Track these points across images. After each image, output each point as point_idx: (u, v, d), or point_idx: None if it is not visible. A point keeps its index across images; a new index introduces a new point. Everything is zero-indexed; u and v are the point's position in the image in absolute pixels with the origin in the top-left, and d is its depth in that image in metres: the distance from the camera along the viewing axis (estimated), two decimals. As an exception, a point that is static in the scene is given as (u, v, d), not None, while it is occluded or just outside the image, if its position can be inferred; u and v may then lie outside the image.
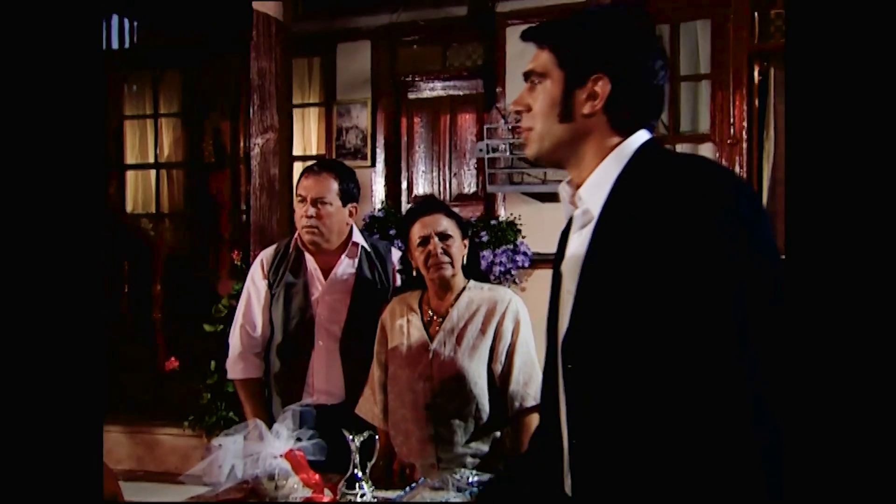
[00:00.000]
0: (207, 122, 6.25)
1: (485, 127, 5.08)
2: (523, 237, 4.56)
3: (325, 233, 2.69)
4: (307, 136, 5.83)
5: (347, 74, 5.75)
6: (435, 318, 2.50)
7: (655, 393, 1.15)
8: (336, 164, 2.86)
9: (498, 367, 2.41)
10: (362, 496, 2.30)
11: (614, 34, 1.30)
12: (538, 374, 2.42)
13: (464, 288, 2.50)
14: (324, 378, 2.72)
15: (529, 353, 2.45)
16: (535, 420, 2.42)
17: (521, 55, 5.25)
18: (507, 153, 4.97)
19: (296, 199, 2.71)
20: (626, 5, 1.39)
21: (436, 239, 2.42)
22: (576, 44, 1.30)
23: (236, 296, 3.77)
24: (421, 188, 5.75)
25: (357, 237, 2.79)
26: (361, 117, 5.67)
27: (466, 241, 2.52)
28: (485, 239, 4.53)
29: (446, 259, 2.41)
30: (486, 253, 4.47)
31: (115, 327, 5.35)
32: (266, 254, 2.85)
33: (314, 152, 5.88)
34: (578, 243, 1.30)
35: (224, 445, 3.14)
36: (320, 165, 2.76)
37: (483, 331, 2.43)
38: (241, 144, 6.11)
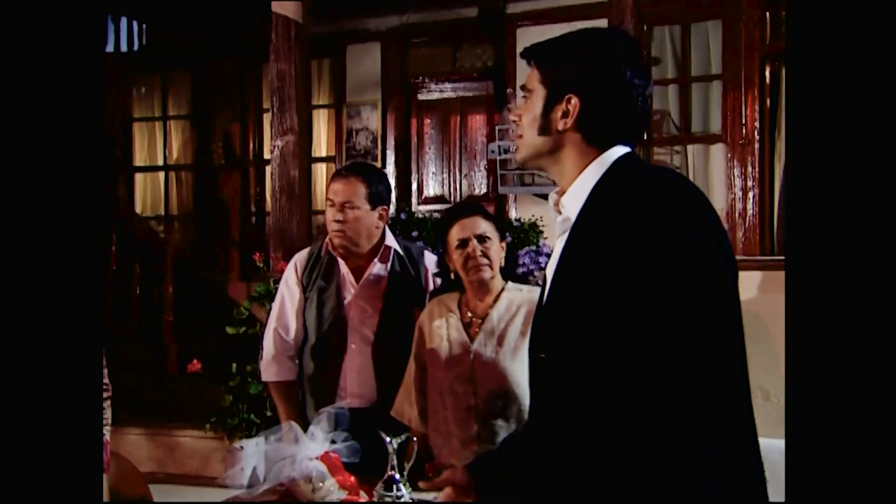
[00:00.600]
0: (217, 123, 6.25)
1: (496, 128, 5.10)
2: (545, 238, 4.58)
3: (354, 236, 2.69)
4: (317, 138, 5.83)
5: (357, 76, 5.76)
6: (475, 319, 2.50)
7: (608, 383, 1.25)
8: (366, 166, 2.87)
9: None
10: (399, 498, 2.31)
11: (587, 57, 1.42)
12: None
13: (502, 289, 2.51)
14: (356, 381, 2.73)
15: None
16: None
17: (531, 56, 5.29)
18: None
19: (326, 204, 2.73)
20: (610, 28, 1.49)
21: (475, 241, 2.42)
22: (555, 64, 1.44)
23: (258, 298, 3.78)
24: (431, 190, 5.76)
25: (390, 240, 2.80)
26: (371, 119, 5.68)
27: (504, 244, 2.53)
28: (508, 240, 4.54)
29: (485, 261, 2.42)
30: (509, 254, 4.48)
31: (127, 329, 5.35)
32: (300, 257, 2.86)
33: (324, 154, 5.88)
34: (558, 248, 1.43)
35: (245, 448, 3.14)
36: (349, 169, 2.78)
37: (524, 332, 2.42)
38: (252, 146, 6.12)
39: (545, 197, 5.21)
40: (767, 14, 4.83)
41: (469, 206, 2.58)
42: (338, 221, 2.67)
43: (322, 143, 5.93)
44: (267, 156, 5.91)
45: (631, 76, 1.39)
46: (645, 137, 4.82)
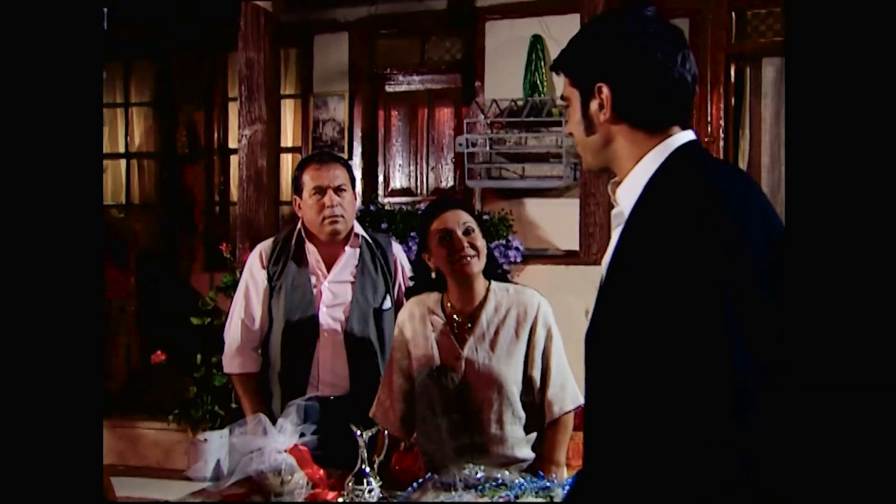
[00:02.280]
0: (181, 112, 6.16)
1: (464, 121, 5.10)
2: (514, 232, 4.59)
3: (349, 220, 2.74)
4: (284, 128, 5.77)
5: (325, 66, 5.71)
6: (462, 322, 2.41)
7: (655, 385, 1.24)
8: (335, 155, 2.91)
9: (536, 374, 2.38)
10: (370, 491, 2.30)
11: (603, 42, 1.40)
12: (571, 377, 2.43)
13: (487, 289, 2.42)
14: (329, 369, 2.73)
15: (562, 357, 2.42)
16: (571, 423, 2.44)
17: (499, 50, 5.31)
18: (486, 148, 4.99)
19: (308, 194, 2.70)
20: (624, 9, 1.46)
21: (459, 233, 2.32)
22: (576, 62, 1.43)
23: (224, 288, 3.74)
24: (398, 182, 5.74)
25: (358, 227, 2.81)
26: (339, 110, 5.64)
27: (486, 238, 2.47)
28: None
29: (472, 252, 2.31)
30: (478, 248, 4.49)
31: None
32: (264, 246, 2.84)
33: (290, 144, 5.83)
34: (613, 242, 1.40)
35: (210, 440, 3.13)
36: (326, 156, 2.80)
37: (517, 336, 2.38)
38: (216, 136, 6.04)
39: (513, 191, 5.26)
40: (733, 14, 4.88)
41: (447, 201, 2.51)
42: (333, 206, 2.68)
43: (288, 133, 5.87)
44: (232, 145, 5.84)
45: (653, 49, 1.35)
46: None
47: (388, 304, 2.80)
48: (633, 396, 1.26)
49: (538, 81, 4.94)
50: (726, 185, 1.31)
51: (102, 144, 5.44)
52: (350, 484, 2.31)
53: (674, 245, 1.23)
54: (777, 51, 4.81)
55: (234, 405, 3.55)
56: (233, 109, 5.85)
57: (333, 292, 2.75)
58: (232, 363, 2.81)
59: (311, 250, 2.77)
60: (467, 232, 2.34)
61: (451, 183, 5.60)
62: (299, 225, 2.80)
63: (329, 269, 2.76)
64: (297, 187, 2.77)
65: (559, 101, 4.83)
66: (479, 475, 2.27)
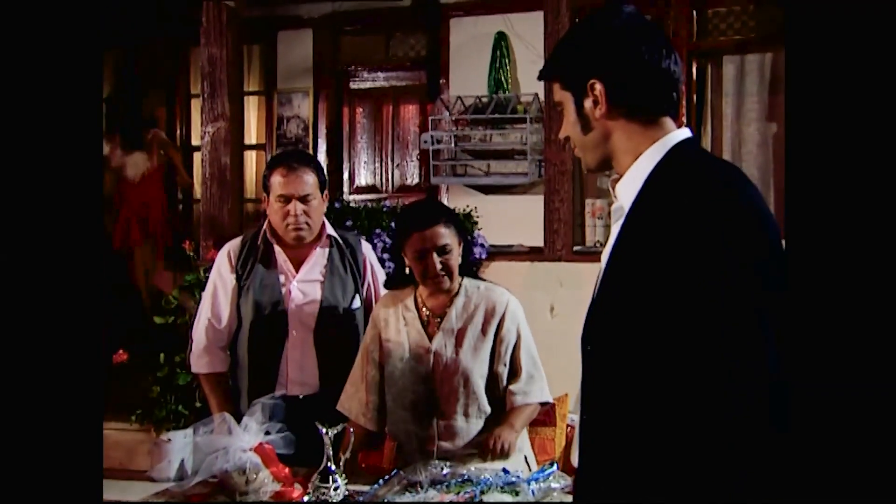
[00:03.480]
0: (143, 108, 6.08)
1: (429, 118, 5.10)
2: (479, 229, 4.61)
3: (314, 227, 2.72)
4: (247, 125, 5.73)
5: (288, 63, 5.68)
6: (432, 318, 2.47)
7: (661, 379, 1.25)
8: (308, 155, 2.90)
9: (502, 369, 2.45)
10: (335, 489, 2.30)
11: (592, 40, 1.45)
12: (541, 374, 2.48)
13: (459, 285, 2.47)
14: (298, 368, 2.72)
15: (532, 352, 2.48)
16: (534, 413, 2.50)
17: (464, 47, 5.31)
18: (451, 145, 5.00)
19: (275, 199, 2.69)
20: (604, 8, 1.49)
21: (434, 255, 2.35)
22: (564, 64, 1.47)
23: (187, 287, 3.71)
24: (363, 179, 5.73)
25: (329, 227, 2.80)
26: (303, 107, 5.61)
27: (462, 242, 2.48)
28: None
29: (444, 273, 2.36)
30: (444, 245, 4.49)
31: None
32: (233, 245, 2.82)
33: (254, 141, 5.79)
34: (613, 236, 1.42)
35: (173, 440, 3.10)
36: (295, 160, 2.75)
37: (484, 332, 2.44)
38: (179, 132, 5.98)
39: (477, 188, 5.27)
40: (694, 12, 4.93)
41: (429, 214, 2.47)
42: (297, 216, 2.65)
43: (252, 130, 5.83)
44: (195, 142, 5.79)
45: (639, 43, 1.40)
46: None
47: (357, 303, 2.79)
48: (646, 392, 1.27)
49: (503, 78, 4.96)
50: (730, 179, 1.33)
51: (102, 143, 5.34)
52: (315, 482, 2.31)
53: (685, 238, 1.24)
54: (737, 49, 4.87)
55: (198, 404, 3.53)
56: (196, 106, 5.79)
57: (303, 291, 2.74)
58: (199, 362, 2.79)
59: (279, 250, 2.75)
60: (442, 251, 2.36)
61: (416, 180, 5.60)
62: (265, 225, 2.78)
63: (298, 268, 2.75)
64: (266, 187, 2.75)
65: (524, 98, 4.86)
66: (444, 471, 2.29)
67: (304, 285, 2.74)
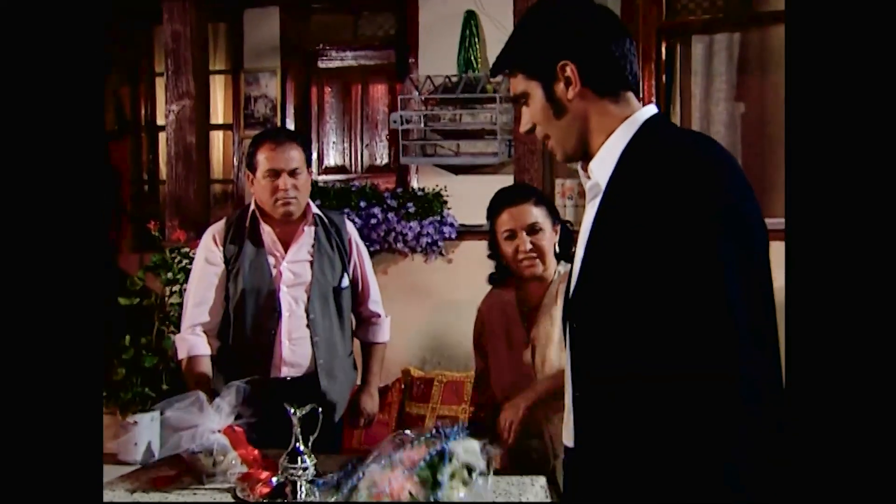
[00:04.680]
0: (106, 87, 5.97)
1: (398, 98, 5.06)
2: (449, 208, 4.59)
3: (302, 201, 2.72)
4: (214, 105, 5.64)
5: (255, 42, 5.59)
6: (531, 308, 2.41)
7: (647, 353, 1.26)
8: (291, 132, 2.91)
9: None
10: (304, 469, 2.29)
11: (555, 24, 1.48)
12: None
13: (556, 273, 2.40)
14: (291, 349, 2.71)
15: None
16: None
17: (433, 26, 5.26)
18: (421, 124, 4.97)
19: (262, 175, 2.66)
20: None
21: (524, 234, 2.27)
22: (528, 52, 1.50)
23: (153, 267, 3.66)
24: (332, 159, 5.68)
25: (314, 207, 2.80)
26: (270, 86, 5.54)
27: (558, 227, 2.39)
28: (411, 210, 4.54)
29: (534, 255, 2.27)
30: (414, 224, 4.47)
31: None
32: (217, 229, 2.80)
33: (221, 121, 5.70)
34: (590, 214, 1.44)
35: (140, 422, 3.05)
36: (282, 135, 2.76)
37: None
38: (143, 111, 5.87)
39: (447, 168, 5.24)
40: (664, -10, 4.93)
41: (519, 191, 2.41)
42: (287, 189, 2.65)
43: (219, 110, 5.75)
44: (160, 121, 5.70)
45: (600, 22, 1.46)
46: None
47: (345, 281, 2.79)
48: (634, 367, 1.27)
49: (472, 58, 4.92)
50: (706, 152, 1.36)
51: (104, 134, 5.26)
52: (284, 462, 2.29)
53: (666, 211, 1.26)
54: (707, 28, 4.88)
55: (164, 387, 3.48)
56: (160, 84, 5.70)
57: (293, 272, 2.74)
58: (184, 346, 2.76)
59: (267, 230, 2.73)
60: (532, 230, 2.28)
61: (385, 160, 5.56)
62: (252, 205, 2.76)
63: (286, 248, 2.73)
64: (251, 165, 2.72)
65: (493, 78, 4.83)
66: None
67: (293, 265, 2.74)
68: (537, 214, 2.29)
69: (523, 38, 1.52)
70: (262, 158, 2.66)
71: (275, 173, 2.64)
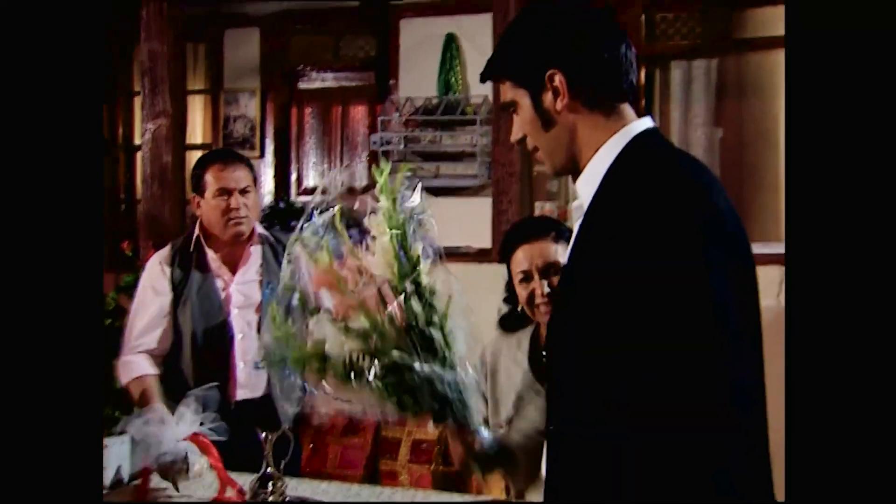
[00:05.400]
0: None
1: (378, 119, 5.06)
2: (427, 231, 4.57)
3: (252, 220, 2.71)
4: (193, 124, 5.62)
5: (235, 62, 5.59)
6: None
7: (625, 384, 1.18)
8: (236, 152, 2.94)
9: None
10: (275, 494, 2.25)
11: (544, 30, 1.38)
12: None
13: None
14: (245, 371, 2.68)
15: None
16: None
17: (414, 48, 5.28)
18: (401, 146, 4.96)
19: (212, 195, 2.65)
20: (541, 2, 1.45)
21: (538, 277, 2.00)
22: (516, 59, 1.40)
23: (126, 288, 3.62)
24: (311, 180, 5.66)
25: (258, 227, 2.79)
26: (250, 106, 5.53)
27: None
28: (390, 232, 4.51)
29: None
30: (392, 246, 4.45)
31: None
32: (163, 255, 2.76)
33: (200, 141, 5.68)
34: (574, 237, 1.36)
35: (110, 445, 3.00)
36: (229, 155, 2.78)
37: None
38: (120, 131, 5.83)
39: (427, 189, 5.20)
40: (643, 17, 4.97)
41: (537, 226, 2.15)
42: (242, 207, 2.63)
43: (198, 129, 5.72)
44: (137, 141, 5.67)
45: (594, 28, 1.37)
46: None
47: (295, 300, 2.76)
48: (615, 396, 1.19)
49: (452, 80, 4.94)
50: (691, 172, 1.29)
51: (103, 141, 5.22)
52: (255, 487, 2.26)
53: (645, 236, 1.18)
54: (685, 54, 4.93)
55: (136, 410, 3.43)
56: (138, 104, 5.66)
57: (243, 294, 2.72)
58: (125, 370, 2.70)
59: (211, 255, 2.71)
60: (547, 272, 2.00)
61: (365, 182, 5.55)
62: (197, 229, 2.73)
63: (233, 270, 2.71)
64: (199, 187, 2.70)
65: (473, 100, 4.84)
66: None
67: (242, 287, 2.72)
68: (557, 252, 2.01)
69: (511, 44, 1.43)
70: (211, 178, 2.65)
71: (226, 192, 2.62)
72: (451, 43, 4.97)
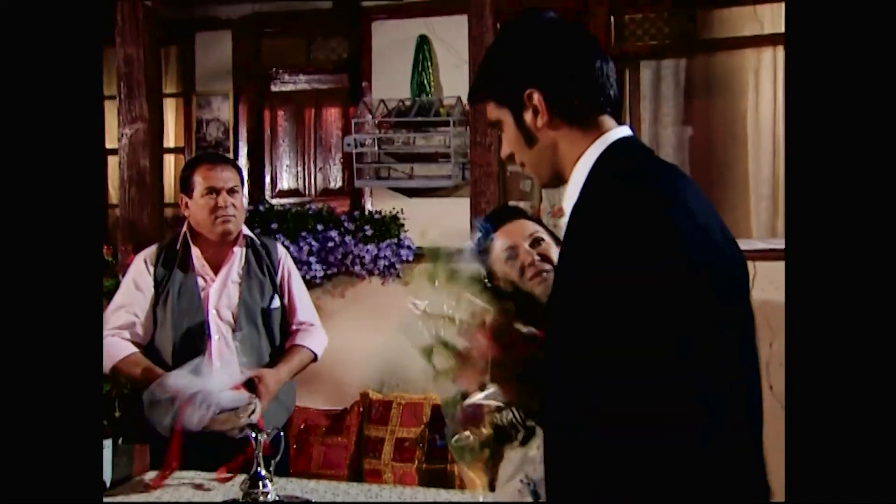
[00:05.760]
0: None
1: (352, 121, 5.07)
2: (406, 231, 4.60)
3: (239, 222, 2.75)
4: (165, 128, 5.60)
5: (207, 65, 5.57)
6: None
7: (604, 393, 1.20)
8: (225, 156, 2.95)
9: None
10: (265, 494, 2.28)
11: (521, 50, 1.43)
12: None
13: None
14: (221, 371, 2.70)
15: None
16: None
17: (386, 50, 5.30)
18: (375, 148, 4.99)
19: (199, 194, 2.67)
20: (524, 18, 1.48)
21: (525, 245, 1.99)
22: (496, 80, 1.45)
23: (106, 293, 3.60)
24: (285, 183, 5.66)
25: (245, 229, 2.82)
26: (223, 109, 5.52)
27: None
28: (368, 233, 4.54)
29: (546, 266, 1.96)
30: (371, 247, 4.48)
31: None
32: (149, 253, 2.79)
33: (173, 144, 5.66)
34: (562, 244, 1.39)
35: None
36: (216, 157, 2.87)
37: None
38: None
39: (401, 191, 5.26)
40: (612, 18, 5.04)
41: (509, 210, 2.20)
42: (230, 207, 2.68)
43: (171, 133, 5.70)
44: (110, 145, 5.63)
45: (569, 46, 1.40)
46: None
47: (276, 303, 2.79)
48: (599, 404, 1.20)
49: (425, 81, 4.97)
50: (662, 181, 1.31)
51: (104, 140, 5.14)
52: (245, 487, 2.28)
53: (619, 239, 1.21)
54: (654, 54, 5.01)
55: (117, 414, 3.43)
56: (109, 108, 5.63)
57: (223, 293, 2.73)
58: (113, 352, 2.66)
59: (196, 253, 2.73)
60: (535, 243, 2.02)
61: (339, 183, 5.57)
62: (185, 228, 2.76)
63: (216, 271, 2.74)
64: (187, 187, 2.73)
65: (446, 101, 4.88)
66: None
67: (224, 287, 2.74)
68: (535, 228, 2.05)
69: (491, 65, 1.47)
70: (200, 179, 2.70)
71: (214, 191, 2.67)
72: (423, 45, 5.00)
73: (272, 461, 2.31)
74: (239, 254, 2.77)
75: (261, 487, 2.27)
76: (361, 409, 4.32)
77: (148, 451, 2.78)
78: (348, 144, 4.96)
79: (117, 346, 2.68)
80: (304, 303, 2.90)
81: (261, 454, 2.28)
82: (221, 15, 5.49)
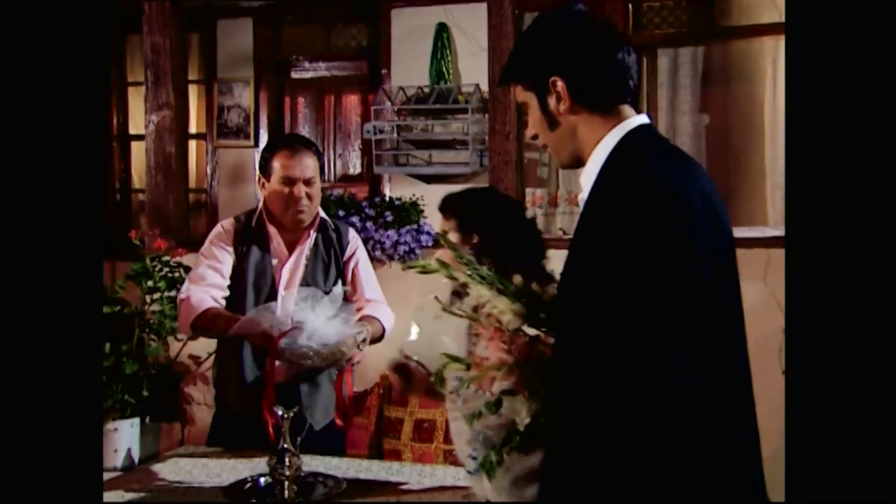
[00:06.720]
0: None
1: (371, 108, 5.12)
2: (425, 217, 4.65)
3: (314, 210, 2.75)
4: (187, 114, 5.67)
5: (229, 52, 5.62)
6: None
7: (608, 376, 1.28)
8: (307, 139, 2.91)
9: None
10: (293, 469, 2.35)
11: (548, 40, 1.54)
12: None
13: None
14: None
15: None
16: None
17: (405, 37, 5.34)
18: (393, 134, 5.04)
19: (277, 181, 2.69)
20: (555, 9, 1.57)
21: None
22: (524, 65, 1.56)
23: (134, 276, 3.68)
24: (305, 169, 5.72)
25: (321, 212, 2.83)
26: (244, 96, 5.58)
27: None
28: (389, 219, 4.60)
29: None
30: (391, 233, 4.54)
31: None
32: (228, 224, 2.82)
33: (194, 130, 5.73)
34: (576, 227, 1.47)
35: (120, 429, 3.08)
36: (298, 142, 2.77)
37: None
38: (115, 121, 5.86)
39: (419, 177, 5.31)
40: (630, 6, 5.06)
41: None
42: (304, 198, 2.68)
43: (192, 119, 5.77)
44: (133, 131, 5.72)
45: (593, 37, 1.50)
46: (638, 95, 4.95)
47: (338, 288, 2.81)
48: (607, 385, 1.26)
49: (444, 69, 5.01)
50: (673, 169, 1.39)
51: (102, 135, 5.20)
52: (272, 462, 2.35)
53: (621, 232, 1.29)
54: (671, 42, 5.02)
55: (145, 393, 3.51)
56: (132, 94, 5.71)
57: (291, 275, 2.77)
58: (193, 303, 2.66)
59: (274, 232, 2.77)
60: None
61: (358, 170, 5.63)
62: (261, 206, 2.79)
63: (291, 251, 2.78)
64: (266, 170, 2.75)
65: (465, 89, 4.92)
66: None
67: (292, 269, 2.77)
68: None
69: (520, 51, 1.59)
70: (278, 165, 2.69)
71: (290, 181, 2.67)
72: (442, 32, 5.04)
73: (298, 438, 2.38)
74: (311, 236, 2.80)
75: (287, 462, 2.34)
76: (381, 391, 4.40)
77: (177, 428, 2.83)
78: (367, 131, 5.01)
79: (204, 299, 2.67)
80: (371, 282, 2.94)
81: (287, 431, 2.34)
82: (242, 2, 5.53)
